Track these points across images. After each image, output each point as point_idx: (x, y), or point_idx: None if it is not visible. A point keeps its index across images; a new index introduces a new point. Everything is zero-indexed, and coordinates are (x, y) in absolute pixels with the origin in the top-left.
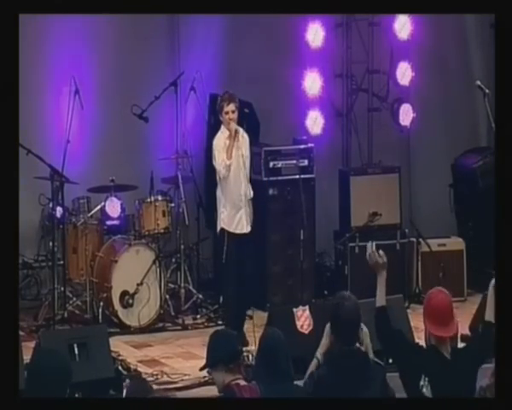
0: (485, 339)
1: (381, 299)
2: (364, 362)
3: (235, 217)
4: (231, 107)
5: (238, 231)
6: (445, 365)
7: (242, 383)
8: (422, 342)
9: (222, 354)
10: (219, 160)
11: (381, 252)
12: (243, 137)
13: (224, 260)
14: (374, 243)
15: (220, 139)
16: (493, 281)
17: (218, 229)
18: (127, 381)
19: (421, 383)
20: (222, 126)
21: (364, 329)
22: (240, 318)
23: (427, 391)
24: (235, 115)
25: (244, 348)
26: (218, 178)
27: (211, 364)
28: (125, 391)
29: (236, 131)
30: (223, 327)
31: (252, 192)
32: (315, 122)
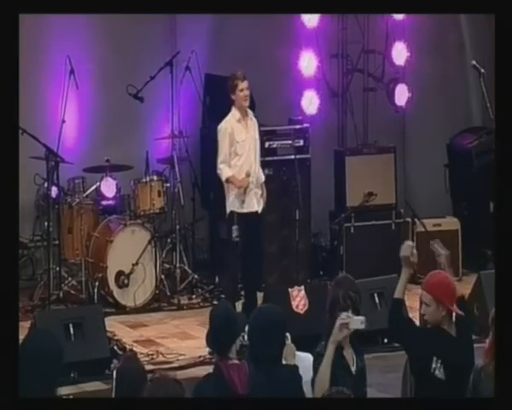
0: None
1: (399, 292)
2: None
3: (245, 198)
4: (245, 84)
5: (247, 211)
6: (455, 344)
7: (230, 361)
8: (416, 322)
9: (233, 338)
10: (219, 160)
11: (414, 252)
12: (252, 119)
13: (236, 243)
14: (413, 244)
15: (228, 123)
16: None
17: (228, 211)
18: (115, 361)
19: (433, 365)
20: (233, 108)
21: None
22: (249, 299)
23: (439, 373)
24: (249, 93)
25: None
26: (228, 159)
27: (226, 348)
28: (114, 373)
29: (247, 112)
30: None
31: (263, 176)
32: (310, 102)
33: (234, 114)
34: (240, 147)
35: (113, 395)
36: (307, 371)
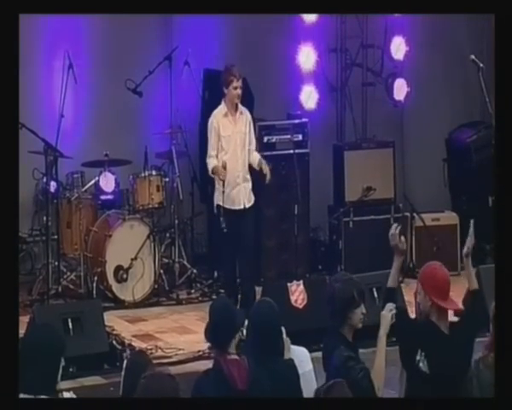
0: (477, 308)
1: (392, 281)
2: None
3: (230, 194)
4: (240, 83)
5: (234, 208)
6: (443, 339)
7: (229, 357)
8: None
9: (233, 332)
10: (208, 154)
11: (402, 239)
12: (242, 113)
13: (221, 236)
14: (399, 227)
15: (215, 117)
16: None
17: (215, 205)
18: (128, 351)
19: (418, 357)
20: (222, 102)
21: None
22: (245, 294)
23: (423, 366)
24: (241, 92)
25: None
26: (215, 153)
27: (226, 343)
28: (124, 363)
29: (237, 106)
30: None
31: (258, 157)
32: (309, 97)
33: (221, 108)
34: (225, 142)
35: (122, 384)
36: (302, 364)
